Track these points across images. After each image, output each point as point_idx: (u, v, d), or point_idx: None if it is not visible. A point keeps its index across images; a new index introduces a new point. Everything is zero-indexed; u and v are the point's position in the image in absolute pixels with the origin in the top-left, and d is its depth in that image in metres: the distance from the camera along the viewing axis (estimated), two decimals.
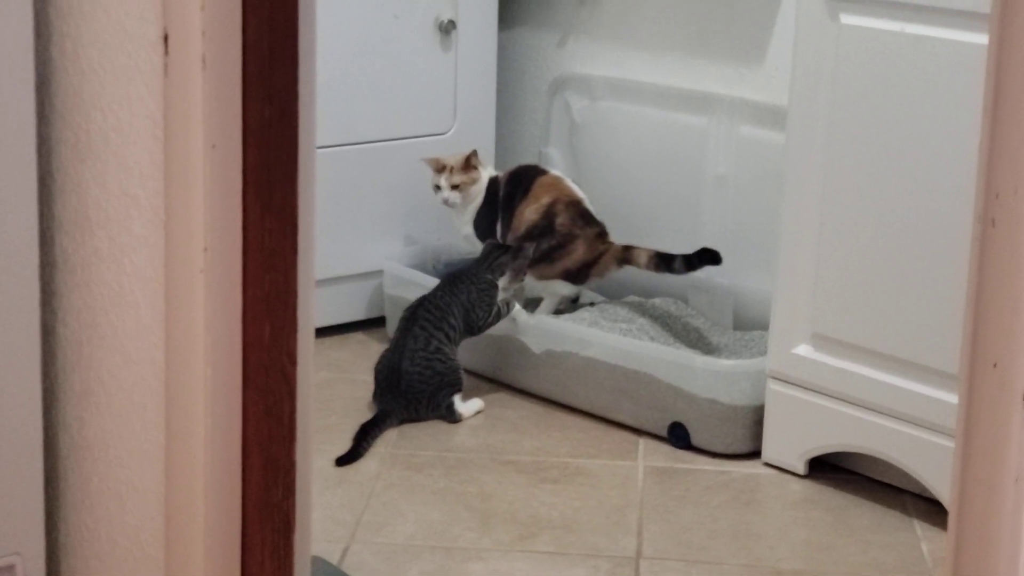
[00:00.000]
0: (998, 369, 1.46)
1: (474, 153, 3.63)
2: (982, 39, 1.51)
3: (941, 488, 2.85)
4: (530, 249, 3.45)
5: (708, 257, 3.38)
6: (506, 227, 3.61)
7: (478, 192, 3.64)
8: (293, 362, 1.95)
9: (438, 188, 3.62)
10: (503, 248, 3.44)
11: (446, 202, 3.62)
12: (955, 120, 2.73)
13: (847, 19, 2.88)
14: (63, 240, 1.97)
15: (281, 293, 1.92)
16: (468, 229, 3.67)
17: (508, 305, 3.41)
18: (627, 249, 3.52)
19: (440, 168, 3.62)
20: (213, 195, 1.85)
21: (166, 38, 1.85)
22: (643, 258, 3.49)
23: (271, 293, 1.91)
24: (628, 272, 3.56)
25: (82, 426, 1.99)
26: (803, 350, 3.04)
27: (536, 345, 3.43)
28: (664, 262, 3.45)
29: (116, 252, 1.93)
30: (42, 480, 1.97)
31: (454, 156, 3.63)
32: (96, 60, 1.91)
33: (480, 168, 3.65)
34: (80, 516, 2.00)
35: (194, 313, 1.87)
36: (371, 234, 3.79)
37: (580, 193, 3.61)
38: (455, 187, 3.61)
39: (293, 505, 1.98)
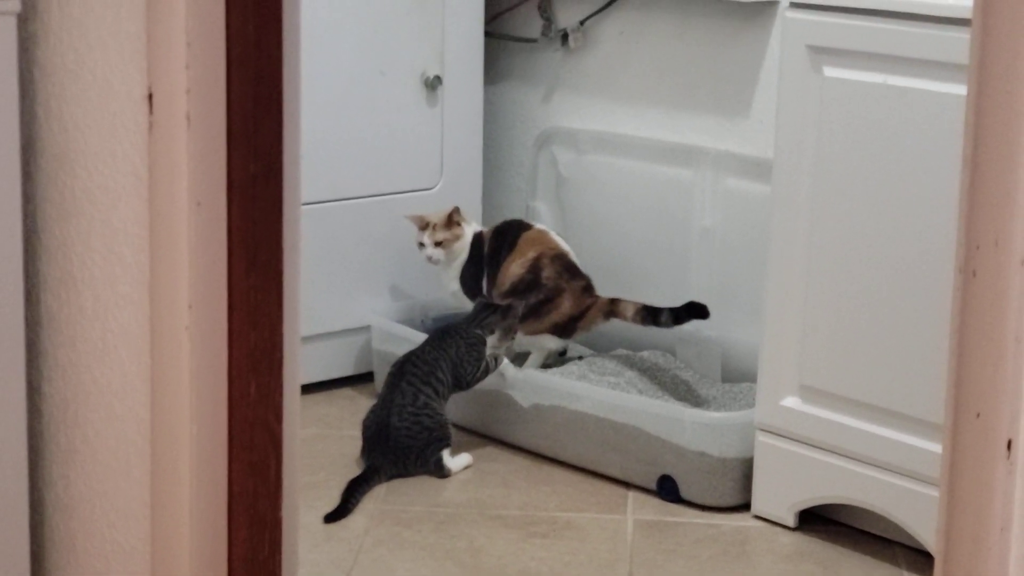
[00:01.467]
0: (981, 419, 1.46)
1: (456, 210, 3.64)
2: (964, 90, 1.52)
3: (930, 539, 2.84)
4: (519, 307, 3.46)
5: (696, 311, 3.39)
6: (492, 282, 3.62)
7: (462, 248, 3.65)
8: (279, 419, 1.95)
9: (422, 245, 3.63)
10: (492, 307, 3.45)
11: (430, 259, 3.63)
12: (939, 171, 2.75)
13: (830, 72, 2.89)
14: (48, 298, 1.97)
15: (266, 350, 1.93)
16: (455, 285, 3.67)
17: (496, 360, 3.41)
18: (613, 302, 3.53)
19: (424, 225, 3.63)
20: (198, 252, 1.86)
21: (151, 96, 1.86)
22: (630, 311, 3.49)
23: (256, 350, 1.91)
24: (616, 325, 3.56)
25: (67, 484, 1.99)
26: (791, 402, 3.04)
27: (524, 399, 3.43)
28: (651, 315, 3.45)
29: (101, 310, 1.93)
30: (28, 539, 1.97)
31: (437, 213, 3.64)
32: (81, 118, 1.92)
33: (463, 224, 3.65)
34: (66, 575, 1.99)
35: (179, 370, 1.87)
36: (359, 290, 3.79)
37: (565, 246, 3.62)
38: (438, 244, 3.62)
39: (280, 562, 1.97)
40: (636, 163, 3.74)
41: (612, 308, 3.52)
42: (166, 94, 1.84)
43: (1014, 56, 1.42)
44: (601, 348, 3.69)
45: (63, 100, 1.93)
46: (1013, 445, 1.46)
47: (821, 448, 3.00)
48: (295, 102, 1.94)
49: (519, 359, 3.59)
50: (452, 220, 3.63)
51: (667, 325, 3.43)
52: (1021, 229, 1.42)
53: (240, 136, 1.88)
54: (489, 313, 3.43)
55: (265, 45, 1.89)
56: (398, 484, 3.27)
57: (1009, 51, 1.43)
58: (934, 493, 2.78)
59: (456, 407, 3.44)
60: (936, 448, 2.75)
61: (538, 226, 3.69)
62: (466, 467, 3.36)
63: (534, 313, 3.54)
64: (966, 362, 1.48)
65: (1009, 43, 1.43)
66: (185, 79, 1.82)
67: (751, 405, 3.21)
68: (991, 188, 1.44)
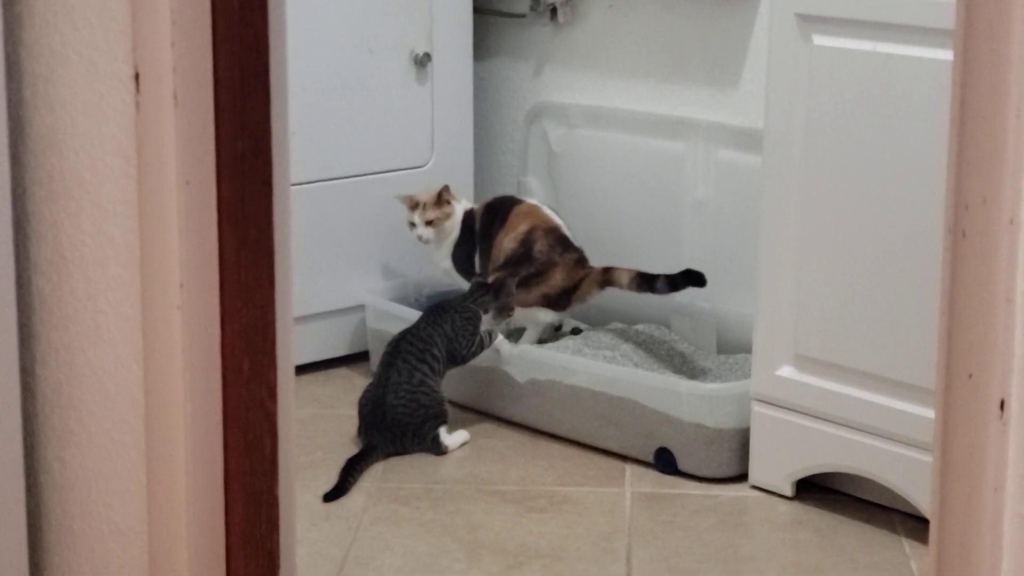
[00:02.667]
0: (973, 380, 1.46)
1: (446, 188, 3.64)
2: (951, 55, 1.52)
3: (928, 505, 2.84)
4: (512, 282, 3.45)
5: (692, 278, 3.39)
6: (484, 258, 3.62)
7: (453, 226, 3.64)
8: (273, 396, 1.94)
9: (412, 225, 3.63)
10: (487, 286, 3.45)
11: (420, 238, 3.63)
12: (930, 136, 2.74)
13: (819, 40, 2.89)
14: (39, 281, 1.97)
15: (259, 328, 1.92)
16: (447, 263, 3.67)
17: (491, 335, 3.41)
18: (608, 271, 3.53)
19: (414, 205, 3.63)
20: (188, 231, 1.85)
21: (137, 76, 1.86)
22: (624, 278, 3.49)
23: (249, 328, 1.91)
24: (610, 299, 3.56)
25: (63, 467, 1.99)
26: (786, 372, 3.04)
27: (520, 375, 3.43)
28: (646, 282, 3.45)
29: (92, 291, 1.93)
30: (25, 522, 1.96)
31: (426, 192, 3.63)
32: (68, 100, 1.91)
33: (453, 202, 3.65)
34: (64, 558, 1.99)
35: (172, 350, 1.87)
36: (352, 269, 3.79)
37: (558, 220, 3.62)
38: (428, 223, 3.61)
39: (277, 540, 1.97)
40: (627, 136, 3.73)
41: (607, 277, 3.52)
42: (152, 73, 1.84)
43: (998, 14, 1.42)
44: (596, 322, 3.69)
45: (49, 82, 1.92)
46: (1005, 405, 1.46)
47: (817, 417, 3.01)
48: (282, 79, 1.93)
49: (514, 335, 3.59)
50: (442, 199, 3.62)
51: (663, 292, 3.42)
52: (1009, 188, 1.42)
53: (228, 114, 1.87)
54: (484, 292, 3.43)
55: (251, 22, 1.88)
56: (395, 462, 3.28)
57: (994, 10, 1.43)
58: (930, 459, 2.79)
59: (452, 384, 3.44)
60: (932, 414, 2.76)
61: (529, 200, 3.69)
62: (463, 444, 3.36)
63: (525, 285, 3.54)
64: (957, 322, 1.48)
65: (994, 2, 1.43)
66: (171, 58, 1.82)
67: (747, 376, 3.21)
68: (978, 148, 1.44)
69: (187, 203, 1.85)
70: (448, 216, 3.63)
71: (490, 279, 3.50)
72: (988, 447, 1.46)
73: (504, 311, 3.43)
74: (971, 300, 1.45)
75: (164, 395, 1.90)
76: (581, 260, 3.58)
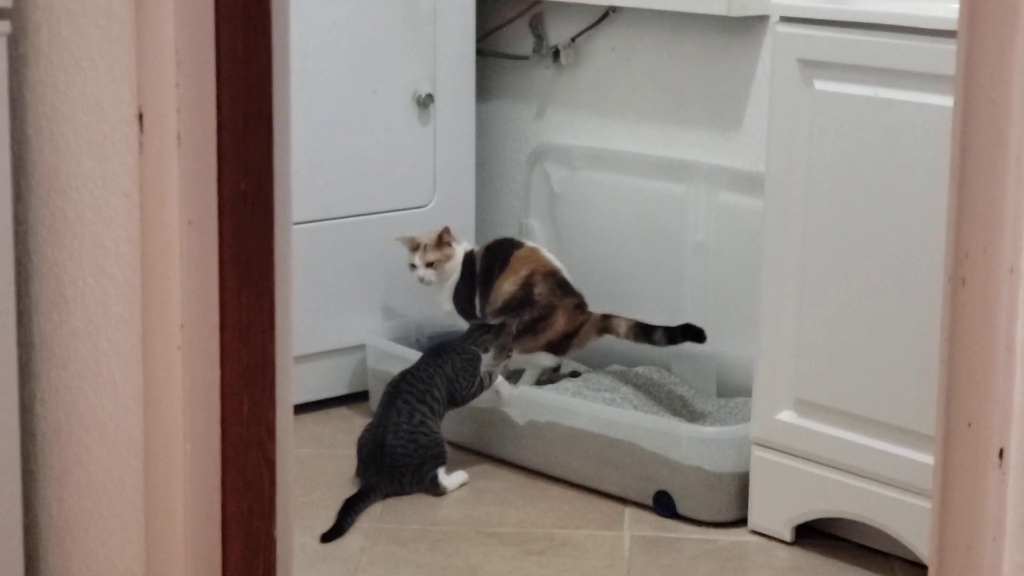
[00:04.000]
0: (973, 428, 1.46)
1: (446, 230, 3.64)
2: (952, 101, 1.52)
3: (927, 552, 2.84)
4: (513, 325, 3.46)
5: (692, 334, 3.39)
6: (484, 301, 3.62)
7: (454, 268, 3.65)
8: (272, 437, 1.95)
9: (413, 267, 3.63)
10: (487, 327, 3.45)
11: (422, 280, 3.63)
12: (930, 182, 2.75)
13: (821, 85, 2.90)
14: (40, 319, 1.97)
15: (259, 368, 1.93)
16: (448, 305, 3.67)
17: (491, 376, 3.41)
18: (607, 318, 3.53)
19: (415, 247, 3.63)
20: (189, 271, 1.86)
21: (141, 116, 1.86)
22: (623, 327, 3.49)
23: (249, 368, 1.91)
24: (610, 341, 3.56)
25: (61, 505, 1.99)
26: (787, 416, 3.04)
27: (519, 416, 3.43)
28: (644, 332, 3.45)
29: (93, 330, 1.93)
30: (22, 561, 1.96)
31: (427, 234, 3.64)
32: (72, 139, 1.92)
33: (454, 244, 3.65)
34: None
35: (172, 389, 1.87)
36: (353, 309, 3.79)
37: (557, 263, 3.62)
38: (429, 265, 3.62)
39: None
40: (629, 178, 3.74)
41: (605, 324, 3.52)
42: (156, 114, 1.85)
43: (999, 65, 1.43)
44: (596, 364, 3.69)
45: (54, 121, 1.93)
46: (1005, 454, 1.46)
47: (817, 462, 3.00)
48: (285, 120, 1.94)
49: (514, 376, 3.59)
50: (442, 240, 3.63)
51: (660, 344, 3.43)
52: (1009, 237, 1.43)
53: (230, 155, 1.88)
54: (484, 332, 3.43)
55: (255, 63, 1.89)
56: (394, 503, 3.27)
57: (995, 60, 1.43)
58: (930, 506, 2.78)
59: (451, 425, 3.44)
60: (932, 460, 2.75)
61: (529, 244, 3.69)
62: (462, 485, 3.35)
63: (528, 331, 3.54)
64: (957, 371, 1.48)
65: (995, 51, 1.44)
66: (175, 98, 1.83)
67: (747, 419, 3.21)
68: (979, 196, 1.44)
69: (189, 243, 1.86)
70: (449, 258, 3.64)
71: (491, 322, 3.50)
72: (987, 496, 1.46)
73: (503, 352, 3.43)
74: (971, 349, 1.45)
75: (163, 435, 1.90)
76: (581, 305, 3.58)
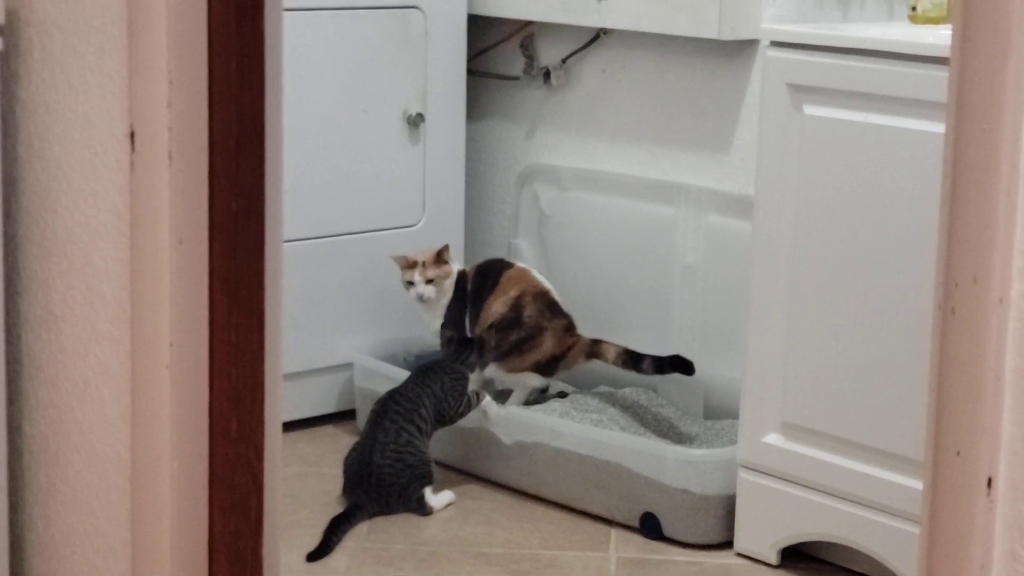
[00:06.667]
0: (961, 457, 1.47)
1: (446, 247, 3.64)
2: (943, 128, 1.53)
3: None
4: (491, 339, 3.47)
5: (680, 365, 3.40)
6: (474, 321, 3.62)
7: (450, 286, 3.64)
8: (260, 457, 1.94)
9: (410, 284, 3.62)
10: (468, 343, 3.45)
11: (420, 297, 3.61)
12: (919, 209, 2.76)
13: (810, 110, 2.91)
14: (29, 337, 1.97)
15: (248, 387, 1.92)
16: (438, 324, 3.66)
17: (478, 396, 3.41)
18: (595, 343, 3.53)
19: (410, 265, 3.63)
20: (179, 290, 1.86)
21: (132, 135, 1.86)
22: (611, 353, 3.49)
23: (238, 388, 1.91)
24: (598, 363, 3.56)
25: (48, 524, 1.98)
26: (773, 439, 3.04)
27: (507, 436, 3.42)
28: (632, 360, 3.45)
29: (81, 348, 1.93)
30: None
31: (423, 252, 3.64)
32: (63, 157, 1.92)
33: (451, 262, 3.65)
34: None
35: (160, 409, 1.87)
36: (341, 327, 3.78)
37: (547, 284, 3.62)
38: (429, 281, 3.61)
39: None
40: (618, 200, 3.75)
41: (594, 349, 3.53)
42: (148, 132, 1.85)
43: (991, 93, 1.43)
44: (583, 385, 3.69)
45: (45, 139, 1.93)
46: (993, 483, 1.46)
47: (804, 485, 3.00)
48: (277, 140, 1.94)
49: (501, 396, 3.59)
50: (441, 258, 3.63)
51: (647, 372, 3.44)
52: (999, 266, 1.43)
53: (222, 174, 1.88)
54: (467, 350, 3.43)
55: (247, 83, 1.89)
56: (380, 522, 3.27)
57: (986, 89, 1.44)
58: (916, 530, 2.78)
59: (438, 444, 3.44)
60: (919, 485, 2.76)
61: (519, 265, 3.70)
62: (448, 505, 3.35)
63: (516, 351, 3.54)
64: (946, 400, 1.48)
65: (986, 81, 1.44)
66: (167, 117, 1.83)
67: (733, 442, 3.21)
68: (969, 225, 1.45)
69: (179, 262, 1.86)
70: (448, 275, 3.63)
71: (467, 336, 3.51)
72: (975, 524, 1.46)
73: (484, 364, 3.46)
74: (960, 378, 1.46)
75: (151, 454, 1.89)
76: (570, 326, 3.58)
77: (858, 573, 3.03)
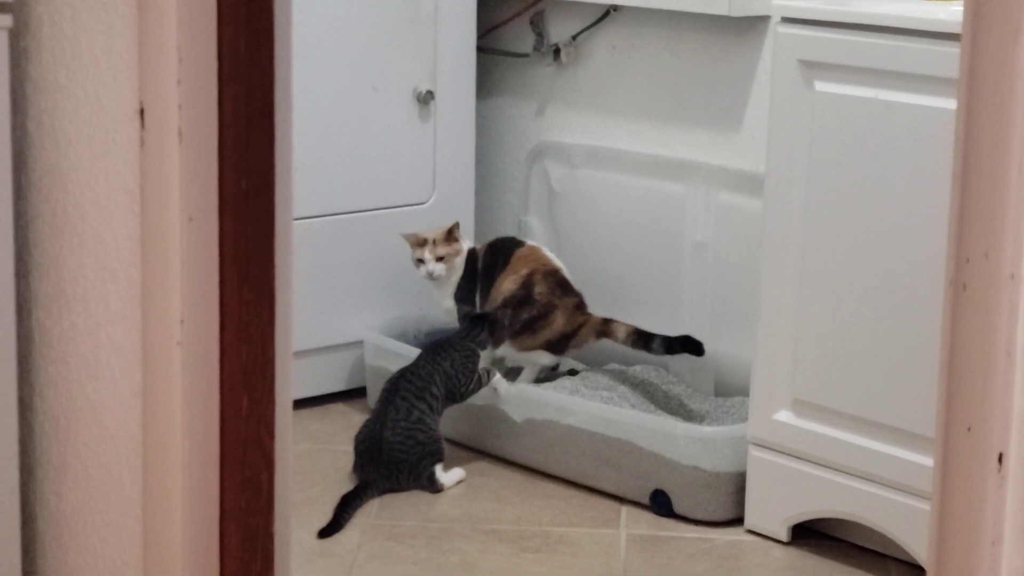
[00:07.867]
0: (972, 433, 1.47)
1: (456, 225, 3.64)
2: (954, 104, 1.52)
3: (924, 553, 2.84)
4: (504, 316, 3.47)
5: (690, 346, 3.40)
6: (485, 299, 3.62)
7: (460, 264, 3.64)
8: (271, 434, 1.94)
9: (421, 262, 3.62)
10: (480, 319, 3.45)
11: (431, 275, 3.61)
12: (930, 185, 2.75)
13: (821, 86, 2.90)
14: (40, 314, 1.97)
15: (258, 364, 1.92)
16: (449, 303, 3.66)
17: (489, 373, 3.41)
18: (606, 322, 3.53)
19: (420, 242, 3.62)
20: (190, 267, 1.86)
21: (142, 112, 1.86)
22: (622, 333, 3.49)
23: (248, 364, 1.91)
24: (608, 341, 3.56)
25: (60, 500, 1.99)
26: (784, 416, 3.04)
27: (517, 414, 3.43)
28: (642, 340, 3.46)
29: (93, 325, 1.93)
30: (20, 555, 1.96)
31: (433, 230, 3.64)
32: (73, 135, 1.92)
33: (461, 240, 3.65)
34: None
35: (171, 385, 1.87)
36: (351, 305, 3.79)
37: (558, 262, 3.62)
38: (440, 259, 3.61)
39: None
40: (628, 177, 3.74)
41: (605, 328, 3.53)
42: (158, 110, 1.85)
43: (1003, 69, 1.43)
44: (594, 362, 3.69)
45: (55, 116, 1.93)
46: (1004, 458, 1.46)
47: (814, 462, 3.00)
48: (287, 117, 1.94)
49: (512, 374, 3.59)
50: (452, 235, 3.62)
51: (657, 352, 3.44)
52: (1011, 242, 1.43)
53: (232, 151, 1.88)
54: (479, 327, 3.43)
55: (257, 60, 1.89)
56: (391, 499, 3.27)
57: (998, 64, 1.43)
58: (927, 507, 2.78)
59: (449, 422, 3.44)
60: (929, 461, 2.75)
61: (530, 243, 3.69)
62: (459, 482, 3.36)
63: (527, 329, 3.54)
64: (957, 375, 1.48)
65: (998, 56, 1.44)
66: (177, 95, 1.82)
67: (744, 419, 3.21)
68: (980, 201, 1.44)
69: (190, 239, 1.86)
70: (458, 253, 3.63)
71: (479, 312, 3.51)
72: (987, 500, 1.46)
73: (497, 343, 3.46)
74: (971, 354, 1.45)
75: (162, 431, 1.90)
76: (580, 304, 3.58)
77: (869, 550, 3.03)
